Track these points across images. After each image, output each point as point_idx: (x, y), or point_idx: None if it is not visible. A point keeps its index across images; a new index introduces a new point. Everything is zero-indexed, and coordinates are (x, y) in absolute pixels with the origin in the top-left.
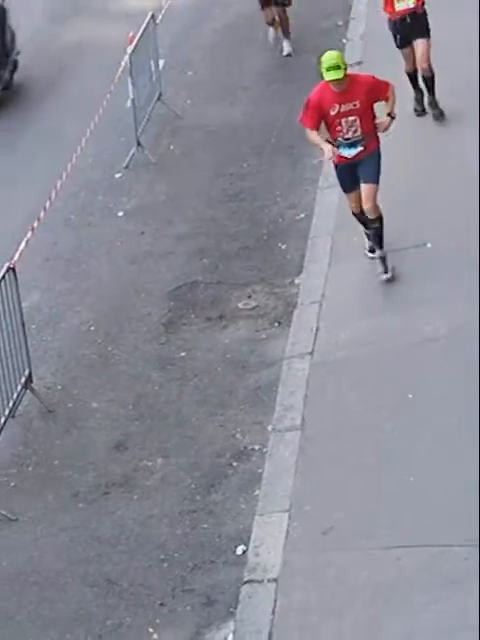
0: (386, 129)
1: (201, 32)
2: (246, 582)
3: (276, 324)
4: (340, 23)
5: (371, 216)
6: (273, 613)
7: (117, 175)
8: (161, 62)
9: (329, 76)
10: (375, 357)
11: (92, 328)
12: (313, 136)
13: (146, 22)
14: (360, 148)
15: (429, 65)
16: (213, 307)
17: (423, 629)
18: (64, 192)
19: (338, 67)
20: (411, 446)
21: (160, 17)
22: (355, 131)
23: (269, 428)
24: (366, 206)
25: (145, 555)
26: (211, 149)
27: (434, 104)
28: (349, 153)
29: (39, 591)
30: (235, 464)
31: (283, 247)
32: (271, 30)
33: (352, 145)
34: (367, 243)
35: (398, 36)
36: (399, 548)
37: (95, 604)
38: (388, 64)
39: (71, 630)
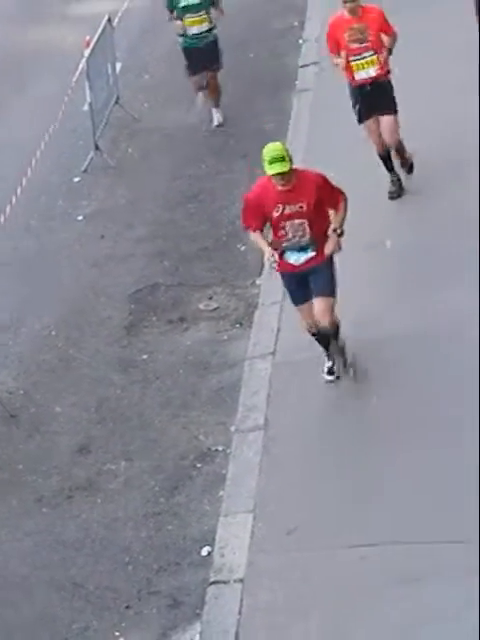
0: (332, 251)
1: (158, 35)
2: (212, 583)
3: (237, 325)
4: (295, 24)
5: (329, 330)
6: (239, 614)
7: (76, 179)
8: (118, 65)
9: (272, 170)
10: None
11: (53, 332)
12: (256, 237)
13: (103, 25)
14: (310, 254)
15: (398, 139)
16: (174, 309)
17: (389, 627)
18: (24, 197)
19: (282, 159)
20: (374, 445)
21: (117, 20)
22: (302, 236)
23: (232, 429)
24: (322, 323)
25: (110, 558)
26: (169, 152)
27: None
28: (297, 260)
29: (4, 595)
30: (199, 465)
31: (243, 248)
32: (200, 95)
33: (301, 250)
34: (326, 363)
35: (358, 106)
36: (364, 547)
37: (61, 608)
38: None
39: (37, 634)
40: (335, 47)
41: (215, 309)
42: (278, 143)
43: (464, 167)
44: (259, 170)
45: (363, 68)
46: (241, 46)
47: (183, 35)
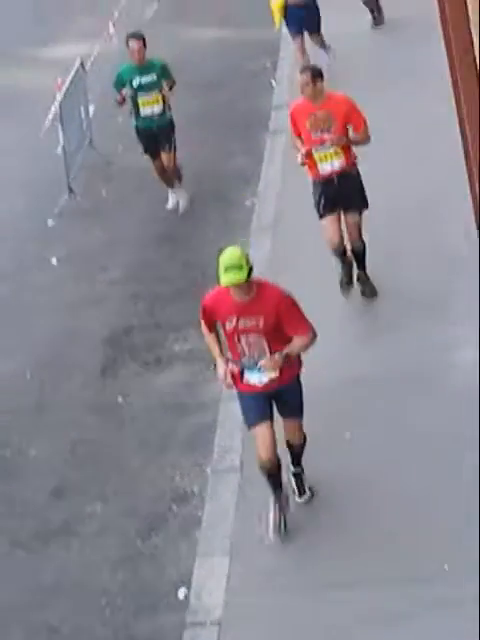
0: (272, 367)
1: None
2: (189, 626)
3: (212, 367)
4: (268, 65)
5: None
6: None
7: (50, 222)
8: (91, 108)
9: (227, 279)
10: (311, 395)
11: (28, 376)
12: (210, 342)
13: (75, 69)
14: (273, 374)
15: (360, 237)
16: (149, 351)
17: None
18: None
19: (240, 268)
20: (348, 484)
21: (89, 63)
22: (260, 355)
23: (208, 470)
24: (293, 441)
25: (87, 601)
26: (143, 194)
27: (364, 279)
28: (259, 380)
29: None
30: (175, 507)
31: None
32: (169, 193)
33: (261, 370)
34: (293, 483)
35: (321, 202)
36: (341, 587)
37: None
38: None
39: None
40: (297, 131)
41: (190, 350)
42: (236, 249)
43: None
44: (232, 210)
45: (327, 160)
46: (214, 87)
47: (135, 116)
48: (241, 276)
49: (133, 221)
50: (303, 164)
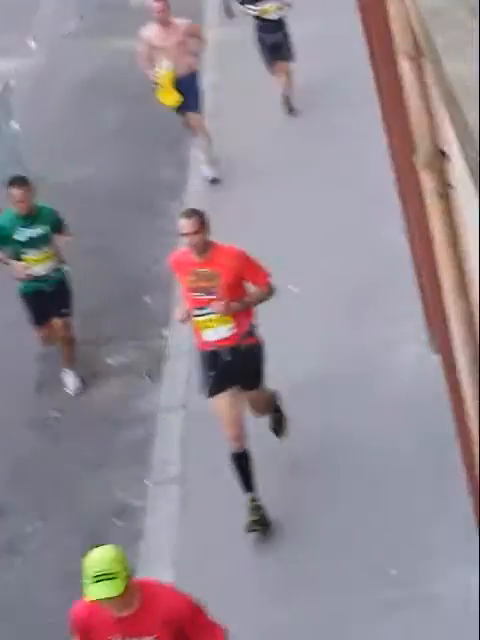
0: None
1: (53, 92)
2: None
3: (147, 378)
4: None
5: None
6: None
7: None
8: (16, 125)
9: (94, 594)
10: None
11: None
12: None
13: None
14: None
15: (269, 408)
16: (83, 366)
17: None
18: None
19: (112, 577)
20: (286, 491)
21: (13, 79)
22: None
23: (148, 483)
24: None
25: (32, 620)
26: (70, 207)
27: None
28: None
29: None
30: (117, 521)
31: (148, 300)
32: (64, 375)
33: None
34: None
35: (209, 379)
36: (287, 594)
37: None
38: (245, 116)
39: None
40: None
41: (125, 363)
42: (110, 551)
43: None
44: (160, 222)
45: (211, 326)
46: (138, 99)
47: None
48: (117, 588)
49: None
50: (183, 322)
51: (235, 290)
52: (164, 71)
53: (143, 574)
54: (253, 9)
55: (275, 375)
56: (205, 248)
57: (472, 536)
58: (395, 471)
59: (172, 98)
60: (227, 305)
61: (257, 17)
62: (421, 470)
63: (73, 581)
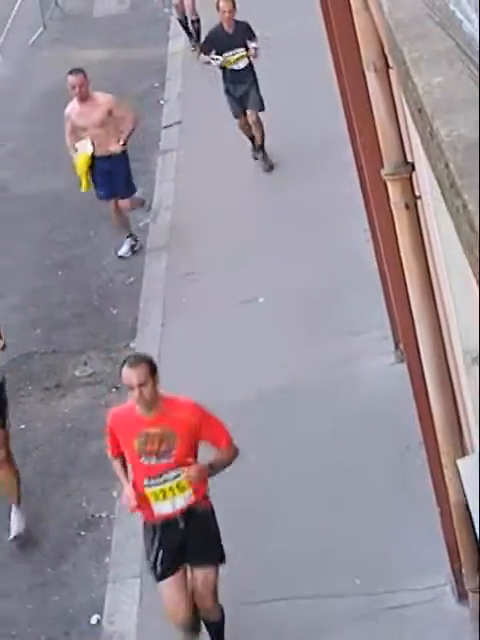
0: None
1: (18, 103)
2: None
3: (114, 389)
4: (156, 84)
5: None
6: None
7: None
8: None
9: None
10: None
11: None
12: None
13: None
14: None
15: (215, 603)
16: (50, 377)
17: None
18: None
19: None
20: (249, 502)
21: None
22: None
23: (115, 494)
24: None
25: None
26: (37, 219)
27: None
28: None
29: None
30: (83, 533)
31: (115, 312)
32: None
33: None
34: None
35: (158, 556)
36: (256, 604)
37: None
38: (208, 123)
39: None
40: (116, 450)
41: (91, 374)
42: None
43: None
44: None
45: (166, 497)
46: None
47: None
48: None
49: (28, 246)
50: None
51: (191, 451)
52: (80, 153)
53: (111, 586)
54: (215, 59)
55: (241, 384)
56: (155, 402)
57: (437, 545)
58: (359, 480)
59: (84, 183)
60: (202, 472)
61: (222, 68)
62: (386, 480)
63: (38, 593)
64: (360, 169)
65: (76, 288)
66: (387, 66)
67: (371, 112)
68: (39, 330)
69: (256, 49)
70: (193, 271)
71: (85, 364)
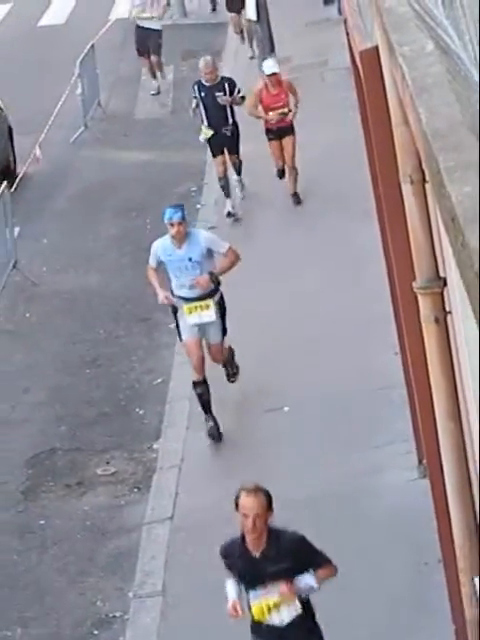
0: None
1: (55, 199)
2: None
3: (135, 489)
4: (194, 188)
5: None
6: None
7: None
8: (16, 230)
9: None
10: (233, 520)
11: None
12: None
13: (0, 191)
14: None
15: None
16: (72, 474)
17: None
18: None
19: None
20: None
21: (15, 185)
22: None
23: (130, 594)
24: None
25: None
26: (67, 316)
27: None
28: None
29: None
30: (96, 632)
31: (141, 412)
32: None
33: None
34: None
35: None
36: None
37: None
38: (241, 230)
39: None
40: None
41: (113, 474)
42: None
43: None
44: (157, 333)
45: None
46: (139, 212)
47: None
48: None
49: (57, 343)
50: None
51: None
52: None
53: None
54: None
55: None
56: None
57: None
58: (376, 593)
59: None
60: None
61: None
62: (403, 594)
63: None
64: (392, 281)
65: (103, 387)
66: (423, 179)
67: (405, 225)
68: (64, 427)
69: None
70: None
71: (108, 463)
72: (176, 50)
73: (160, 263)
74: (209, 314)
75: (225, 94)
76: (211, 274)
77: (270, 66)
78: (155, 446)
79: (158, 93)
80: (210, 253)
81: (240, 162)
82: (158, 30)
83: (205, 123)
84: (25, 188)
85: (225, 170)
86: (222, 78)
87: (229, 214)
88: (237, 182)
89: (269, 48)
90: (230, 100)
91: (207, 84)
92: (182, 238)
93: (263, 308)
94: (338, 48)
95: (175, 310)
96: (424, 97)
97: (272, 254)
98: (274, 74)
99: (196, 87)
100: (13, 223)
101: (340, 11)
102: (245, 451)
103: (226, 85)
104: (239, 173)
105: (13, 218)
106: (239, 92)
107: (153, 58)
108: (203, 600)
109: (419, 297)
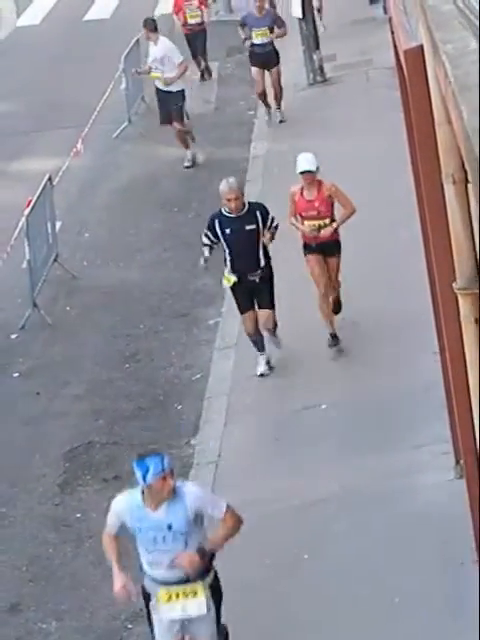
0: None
1: (97, 194)
2: None
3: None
4: None
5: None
6: None
7: (13, 336)
8: (58, 224)
9: None
10: (270, 517)
11: None
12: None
13: (43, 184)
14: None
15: None
16: (109, 468)
17: None
18: None
19: None
20: (305, 607)
21: (57, 179)
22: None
23: None
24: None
25: None
26: (107, 310)
27: None
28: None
29: None
30: (130, 626)
31: (179, 407)
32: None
33: None
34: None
35: None
36: None
37: None
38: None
39: None
40: None
41: None
42: None
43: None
44: (196, 329)
45: None
46: (180, 207)
47: None
48: None
49: (97, 337)
50: None
51: None
52: None
53: None
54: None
55: (296, 489)
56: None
57: None
58: (411, 593)
59: None
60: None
61: None
62: (437, 594)
63: None
64: (432, 281)
65: (142, 381)
66: (466, 179)
67: (447, 225)
68: (102, 421)
69: None
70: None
71: None
72: (221, 46)
73: (123, 529)
74: (197, 604)
75: (257, 226)
76: (201, 550)
77: (305, 161)
78: (192, 442)
79: (192, 165)
80: (199, 519)
81: (275, 324)
82: (179, 91)
83: (228, 267)
84: (67, 182)
85: (256, 327)
86: (250, 205)
87: (262, 375)
88: (273, 343)
89: (314, 46)
90: (270, 238)
91: (231, 215)
92: (164, 498)
93: (303, 307)
94: (383, 47)
95: (147, 597)
96: (466, 95)
97: None
98: (308, 173)
99: (216, 222)
100: (55, 217)
101: (385, 10)
102: (282, 448)
103: (258, 214)
104: (274, 332)
105: (55, 212)
106: (273, 222)
107: (176, 125)
108: (236, 593)
109: (459, 297)
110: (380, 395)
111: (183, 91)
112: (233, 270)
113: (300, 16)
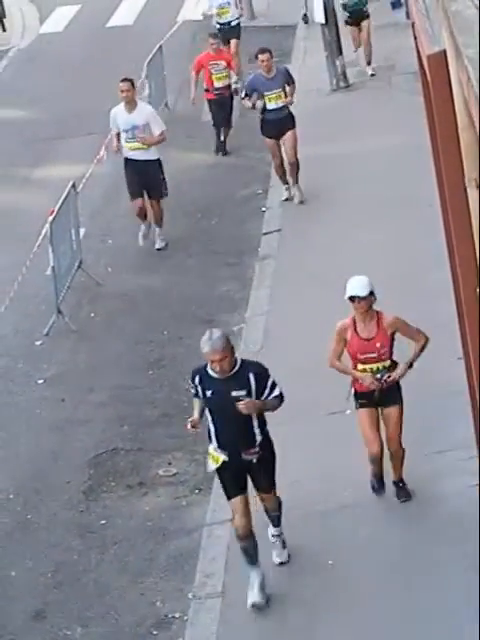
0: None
1: (121, 200)
2: None
3: (196, 491)
4: (259, 191)
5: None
6: None
7: (37, 342)
8: (82, 230)
9: None
10: (294, 523)
11: (11, 496)
12: None
13: (67, 191)
14: None
15: None
16: (133, 474)
17: None
18: None
19: None
20: (331, 612)
21: (81, 186)
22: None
23: (190, 595)
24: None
25: None
26: (131, 317)
27: None
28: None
29: None
30: (155, 632)
31: None
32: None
33: None
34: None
35: None
36: None
37: None
38: (307, 234)
39: None
40: None
41: (174, 474)
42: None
43: None
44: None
45: None
46: (204, 213)
47: None
48: None
49: (121, 343)
50: None
51: None
52: None
53: None
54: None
55: (318, 494)
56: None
57: None
58: (431, 600)
59: None
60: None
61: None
62: (459, 600)
63: None
64: (456, 286)
65: (166, 388)
66: None
67: (470, 229)
68: (126, 427)
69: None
70: (282, 381)
71: (169, 464)
72: (244, 52)
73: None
74: None
75: (249, 393)
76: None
77: (356, 284)
78: None
79: (146, 238)
80: None
81: (279, 504)
82: (156, 160)
83: (213, 442)
84: (91, 188)
85: (248, 523)
86: (242, 364)
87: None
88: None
89: (337, 52)
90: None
91: (216, 376)
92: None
93: (326, 310)
94: (406, 52)
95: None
96: None
97: (335, 255)
98: (359, 299)
99: (197, 379)
100: (79, 223)
101: (408, 15)
102: (306, 453)
103: (251, 377)
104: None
105: (79, 218)
106: (273, 390)
107: (151, 203)
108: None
109: None
110: (404, 400)
111: (160, 160)
112: (219, 445)
113: (323, 21)
